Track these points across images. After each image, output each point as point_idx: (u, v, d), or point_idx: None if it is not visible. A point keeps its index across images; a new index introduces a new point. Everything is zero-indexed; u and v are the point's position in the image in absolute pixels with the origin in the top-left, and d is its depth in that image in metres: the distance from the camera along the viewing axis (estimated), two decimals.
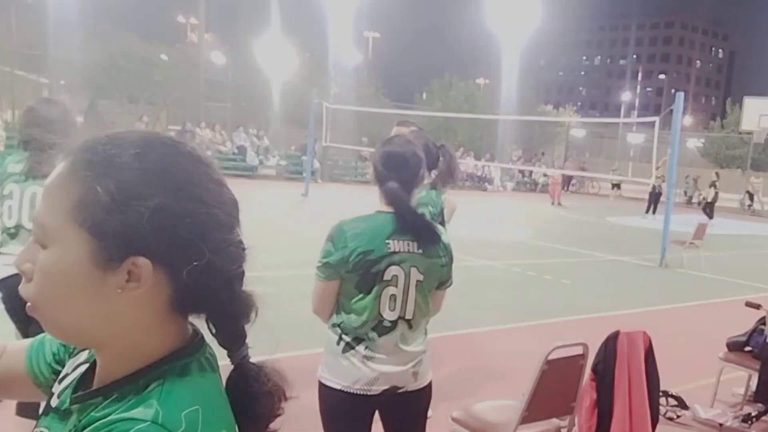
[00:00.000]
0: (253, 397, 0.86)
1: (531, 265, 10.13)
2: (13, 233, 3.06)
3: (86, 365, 0.89)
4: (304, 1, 32.91)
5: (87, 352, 0.91)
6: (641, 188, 23.76)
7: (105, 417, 0.74)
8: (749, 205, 27.99)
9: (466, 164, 26.85)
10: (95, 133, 0.81)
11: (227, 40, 37.06)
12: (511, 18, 35.28)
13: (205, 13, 27.62)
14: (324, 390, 2.33)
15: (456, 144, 28.95)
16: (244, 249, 0.84)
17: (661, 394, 3.86)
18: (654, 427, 3.31)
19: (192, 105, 25.44)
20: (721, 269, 11.33)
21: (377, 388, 2.28)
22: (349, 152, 26.05)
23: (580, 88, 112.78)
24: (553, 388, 2.92)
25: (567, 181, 29.84)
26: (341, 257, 2.23)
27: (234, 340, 0.85)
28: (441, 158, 3.62)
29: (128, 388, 0.77)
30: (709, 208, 21.52)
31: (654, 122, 11.97)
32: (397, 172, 2.29)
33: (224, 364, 0.88)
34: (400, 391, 2.32)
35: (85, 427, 0.75)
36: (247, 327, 0.86)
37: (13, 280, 2.73)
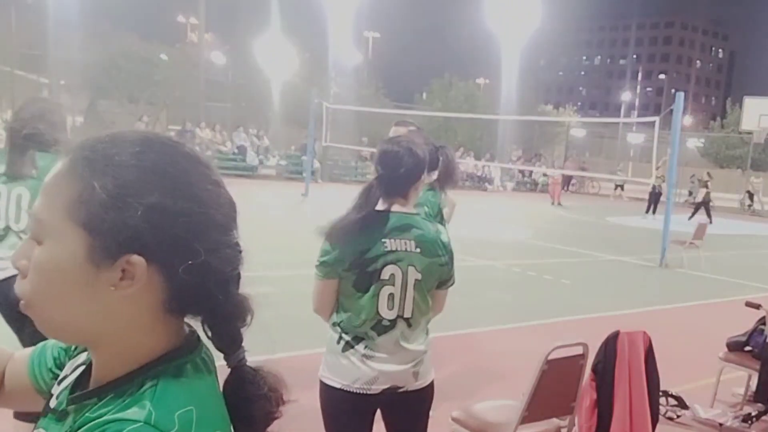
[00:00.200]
0: (249, 400, 0.86)
1: (531, 265, 10.14)
2: (2, 235, 3.03)
3: (83, 366, 0.89)
4: (304, 1, 32.92)
5: (86, 353, 0.91)
6: (641, 188, 23.76)
7: (99, 417, 0.74)
8: (749, 205, 27.98)
9: (466, 164, 26.86)
10: (95, 133, 0.82)
11: (227, 40, 37.10)
12: (511, 18, 35.30)
13: (205, 13, 27.65)
14: (325, 389, 2.33)
15: (456, 144, 28.97)
16: (240, 251, 0.83)
17: (661, 394, 3.86)
18: (654, 427, 3.31)
19: (192, 105, 25.44)
20: (721, 269, 11.33)
21: (377, 388, 2.28)
22: (349, 152, 26.05)
23: (580, 88, 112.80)
24: (553, 388, 2.92)
25: (567, 181, 29.84)
26: (338, 256, 2.24)
27: (230, 343, 0.85)
28: (440, 159, 3.62)
29: (123, 388, 0.77)
30: (697, 208, 21.25)
31: (654, 122, 11.97)
32: (389, 170, 2.30)
33: (220, 364, 0.87)
34: (401, 390, 2.32)
35: (79, 428, 0.75)
36: (243, 330, 0.86)
37: (6, 284, 2.72)
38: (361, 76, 35.05)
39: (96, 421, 0.73)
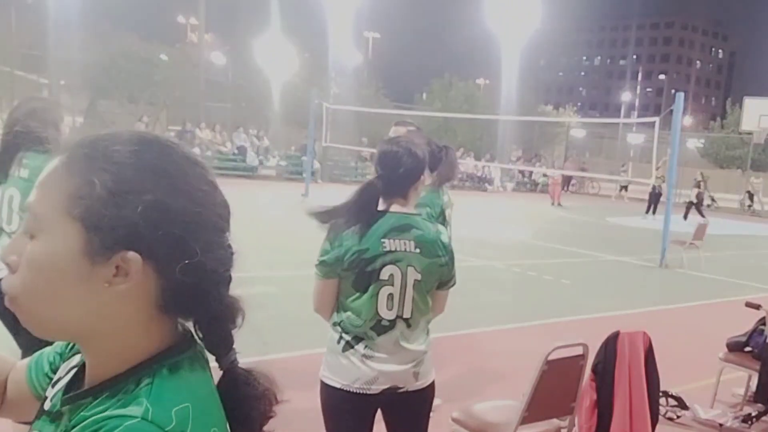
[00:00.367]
0: (245, 401, 0.86)
1: (531, 265, 10.13)
2: None
3: (77, 368, 0.89)
4: (304, 1, 32.95)
5: (79, 355, 0.91)
6: (642, 189, 23.75)
7: (94, 415, 0.74)
8: (749, 206, 27.97)
9: (466, 165, 26.85)
10: (93, 131, 0.83)
11: (227, 40, 37.10)
12: (511, 18, 35.30)
13: (205, 13, 27.64)
14: (325, 389, 2.33)
15: (456, 144, 28.94)
16: (232, 253, 0.84)
17: (661, 394, 3.86)
18: (654, 427, 3.31)
19: (192, 105, 25.43)
20: (721, 269, 11.33)
21: (377, 387, 2.28)
22: (349, 152, 26.04)
23: (580, 89, 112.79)
24: (553, 388, 2.92)
25: (567, 181, 29.83)
26: (337, 256, 2.24)
27: (222, 344, 0.85)
28: (444, 159, 3.63)
29: (118, 387, 0.77)
30: (689, 208, 21.15)
31: (654, 122, 11.97)
32: (389, 170, 2.30)
33: (212, 366, 0.87)
34: (401, 390, 2.32)
35: (74, 426, 0.75)
36: (234, 332, 0.86)
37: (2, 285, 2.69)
38: (361, 77, 35.04)
39: (93, 418, 0.73)
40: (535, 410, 2.88)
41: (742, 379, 4.83)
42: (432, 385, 2.43)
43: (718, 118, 42.47)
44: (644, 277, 10.46)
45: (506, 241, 13.13)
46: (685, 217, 19.83)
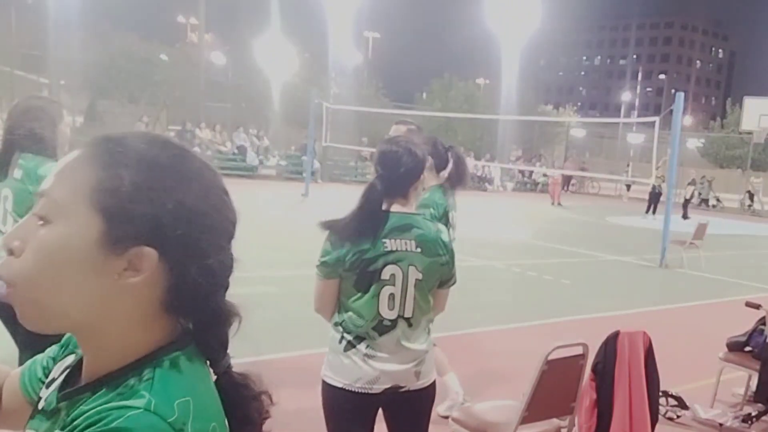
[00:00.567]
0: (244, 402, 0.87)
1: (531, 265, 10.13)
2: None
3: (72, 366, 0.89)
4: (304, 1, 32.94)
5: (73, 356, 0.92)
6: (641, 189, 23.75)
7: (95, 408, 0.74)
8: (749, 205, 27.97)
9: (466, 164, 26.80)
10: (94, 131, 0.84)
11: (227, 40, 37.16)
12: (511, 18, 35.31)
13: (205, 13, 27.62)
14: (327, 388, 2.34)
15: (456, 144, 28.86)
16: (233, 260, 0.86)
17: (661, 394, 3.86)
18: (654, 427, 3.31)
19: (192, 105, 25.43)
20: (721, 269, 11.33)
21: (379, 387, 2.28)
22: (349, 152, 26.04)
23: (580, 88, 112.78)
24: (553, 388, 2.92)
25: (567, 181, 29.83)
26: (338, 256, 2.24)
27: (219, 348, 0.86)
28: (450, 160, 3.64)
29: (118, 381, 0.78)
30: (686, 208, 21.12)
31: (654, 122, 11.97)
32: (389, 170, 2.30)
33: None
34: (402, 390, 2.32)
35: (73, 420, 0.75)
36: (230, 337, 0.88)
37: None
38: (361, 76, 35.07)
39: (95, 409, 0.74)
40: (535, 410, 2.88)
41: (742, 379, 4.83)
42: (433, 385, 2.43)
43: (718, 118, 42.52)
44: (644, 277, 10.46)
45: (506, 241, 13.13)
46: (684, 216, 19.83)
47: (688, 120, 57.69)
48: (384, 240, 2.25)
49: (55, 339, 0.98)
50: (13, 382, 1.00)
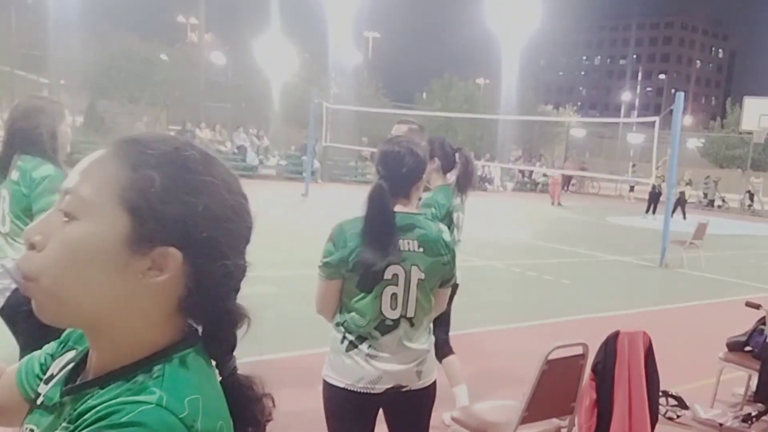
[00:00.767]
0: (249, 404, 0.88)
1: (531, 265, 10.14)
2: None
3: (74, 363, 0.90)
4: (304, 1, 32.94)
5: (72, 352, 0.93)
6: (642, 188, 23.73)
7: (104, 402, 0.75)
8: (749, 205, 27.98)
9: None
10: (147, 131, 0.88)
11: (227, 40, 37.18)
12: (511, 18, 35.28)
13: (205, 13, 27.65)
14: (328, 388, 2.34)
15: (456, 144, 28.89)
16: (247, 265, 0.88)
17: (661, 394, 3.86)
18: (653, 427, 3.31)
19: (192, 105, 25.45)
20: (721, 269, 11.33)
21: (381, 387, 2.29)
22: (349, 152, 26.05)
23: (580, 88, 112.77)
24: (553, 388, 2.92)
25: (567, 181, 29.83)
26: (341, 257, 2.24)
27: (227, 350, 0.88)
28: (457, 161, 3.65)
29: (127, 377, 0.78)
30: (683, 207, 21.07)
31: (654, 122, 11.98)
32: (391, 171, 2.30)
33: None
34: (404, 389, 2.33)
35: (81, 415, 0.75)
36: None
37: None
38: (361, 76, 35.08)
39: (106, 404, 0.74)
40: (535, 410, 2.88)
41: (742, 379, 4.83)
42: (434, 384, 2.43)
43: (718, 118, 42.50)
44: (644, 277, 10.46)
45: (506, 241, 13.14)
46: (683, 215, 19.83)
47: (688, 120, 57.70)
48: None
49: (57, 338, 0.98)
50: (8, 379, 1.00)
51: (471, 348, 5.81)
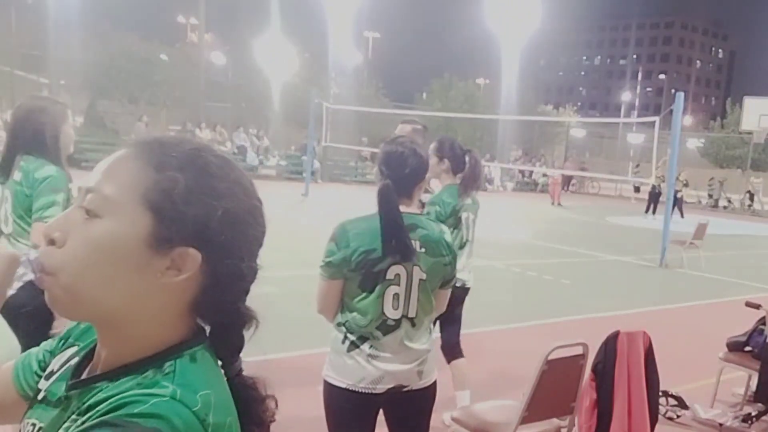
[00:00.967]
0: (254, 404, 0.90)
1: (531, 265, 10.14)
2: None
3: (78, 358, 0.91)
4: (304, 1, 32.95)
5: (73, 348, 0.93)
6: (643, 188, 23.71)
7: (115, 395, 0.76)
8: (749, 205, 27.96)
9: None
10: (171, 134, 0.90)
11: (227, 40, 37.15)
12: (511, 18, 35.30)
13: (205, 13, 27.63)
14: (329, 389, 2.34)
15: None
16: (258, 268, 0.89)
17: (661, 394, 3.86)
18: (653, 427, 3.31)
19: (192, 105, 25.46)
20: (721, 269, 11.33)
21: (382, 387, 2.29)
22: (349, 152, 26.04)
23: (580, 88, 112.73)
24: (553, 388, 2.92)
25: (567, 181, 29.81)
26: (344, 257, 2.24)
27: (234, 351, 0.89)
28: (467, 162, 3.66)
29: (138, 372, 0.80)
30: (681, 206, 21.10)
31: (654, 122, 11.98)
32: (395, 171, 2.31)
33: None
34: (405, 389, 2.33)
35: (92, 407, 0.76)
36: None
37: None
38: (361, 76, 35.08)
39: (118, 396, 0.75)
40: (535, 410, 2.88)
41: (742, 379, 4.83)
42: (434, 384, 2.44)
43: (718, 118, 42.46)
44: (644, 277, 10.46)
45: (506, 241, 13.13)
46: (681, 215, 19.82)
47: (688, 120, 57.65)
48: None
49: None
50: (4, 377, 1.01)
51: (471, 348, 5.79)
